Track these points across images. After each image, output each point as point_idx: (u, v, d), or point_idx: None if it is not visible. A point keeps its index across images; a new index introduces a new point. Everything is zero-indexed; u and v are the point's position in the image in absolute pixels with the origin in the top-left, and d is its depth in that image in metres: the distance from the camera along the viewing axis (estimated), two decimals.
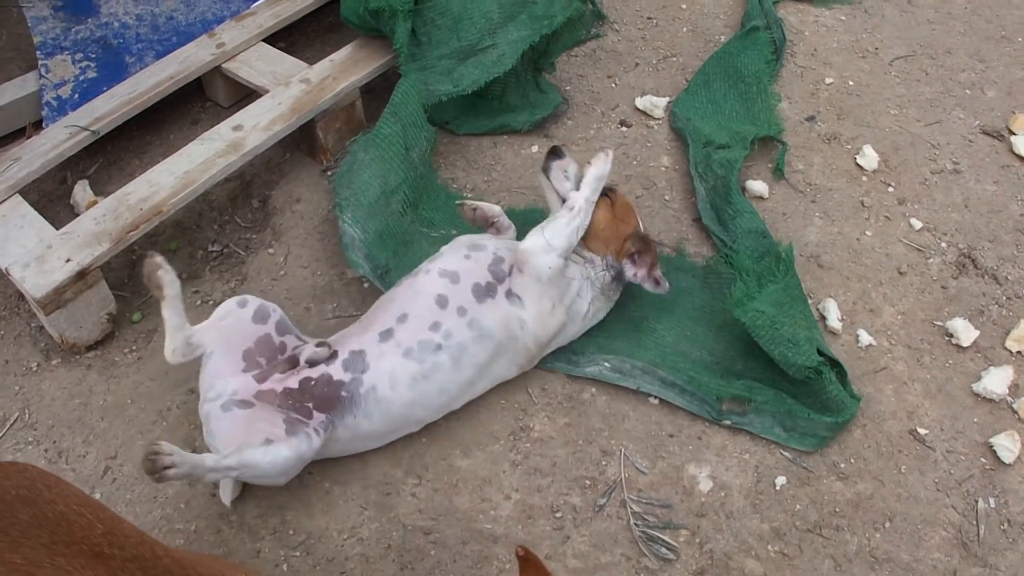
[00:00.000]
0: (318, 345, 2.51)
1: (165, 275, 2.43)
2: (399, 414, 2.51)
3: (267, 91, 3.32)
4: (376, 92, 3.51)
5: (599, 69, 3.92)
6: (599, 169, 2.77)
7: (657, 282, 2.85)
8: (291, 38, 3.87)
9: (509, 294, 2.62)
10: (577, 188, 2.79)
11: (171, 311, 2.45)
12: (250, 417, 2.36)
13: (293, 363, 2.50)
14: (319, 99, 3.26)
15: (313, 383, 2.45)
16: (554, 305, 2.66)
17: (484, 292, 2.60)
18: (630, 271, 2.82)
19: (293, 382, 2.45)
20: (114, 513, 1.68)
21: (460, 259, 2.66)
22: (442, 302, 2.56)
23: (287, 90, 3.29)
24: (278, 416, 2.37)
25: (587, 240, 2.79)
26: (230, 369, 2.46)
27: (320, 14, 3.88)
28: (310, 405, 2.42)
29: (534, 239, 2.68)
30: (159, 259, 2.44)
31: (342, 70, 3.38)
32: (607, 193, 2.85)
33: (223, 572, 1.73)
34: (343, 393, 2.44)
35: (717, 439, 2.69)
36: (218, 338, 2.49)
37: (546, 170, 2.85)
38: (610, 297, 2.84)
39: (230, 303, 2.54)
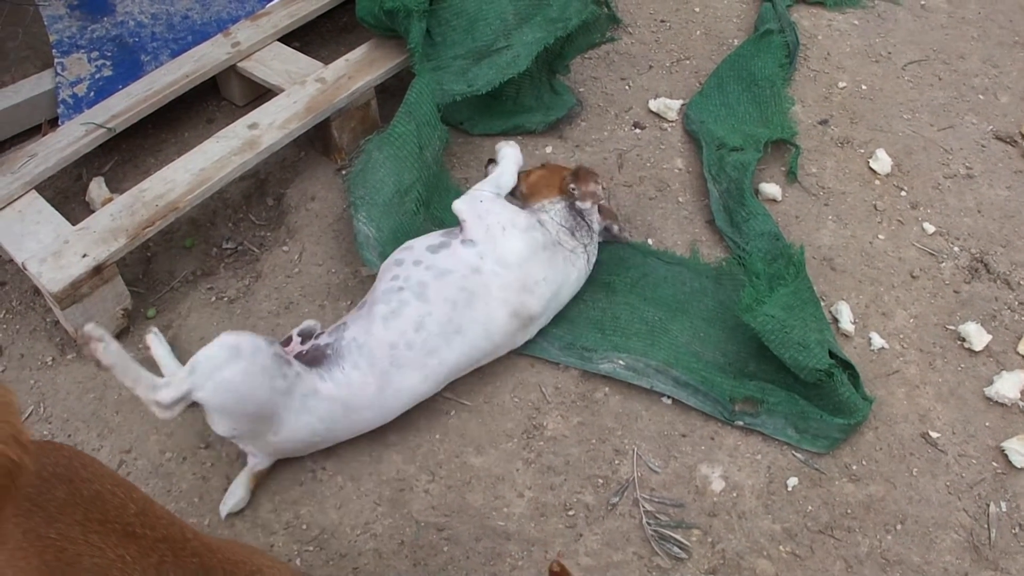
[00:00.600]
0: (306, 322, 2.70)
1: (154, 339, 2.72)
2: (383, 357, 2.52)
3: (282, 90, 3.32)
4: (391, 92, 3.52)
5: (613, 71, 3.93)
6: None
7: (611, 216, 3.07)
8: (306, 38, 3.88)
9: (463, 242, 2.73)
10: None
11: (163, 363, 2.67)
12: None
13: (287, 342, 2.64)
14: (334, 98, 3.27)
15: (305, 354, 2.57)
16: (504, 228, 2.74)
17: (437, 247, 2.72)
18: (577, 196, 2.96)
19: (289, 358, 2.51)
20: (146, 495, 1.71)
21: (417, 239, 2.81)
22: (399, 263, 2.70)
23: (302, 89, 3.30)
24: None
25: (530, 199, 2.99)
26: None
27: (335, 14, 3.89)
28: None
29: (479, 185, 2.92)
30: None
31: (357, 69, 3.39)
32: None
33: (250, 558, 1.75)
34: (328, 351, 2.54)
35: (729, 439, 2.69)
36: None
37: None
38: (582, 233, 2.93)
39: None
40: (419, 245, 2.74)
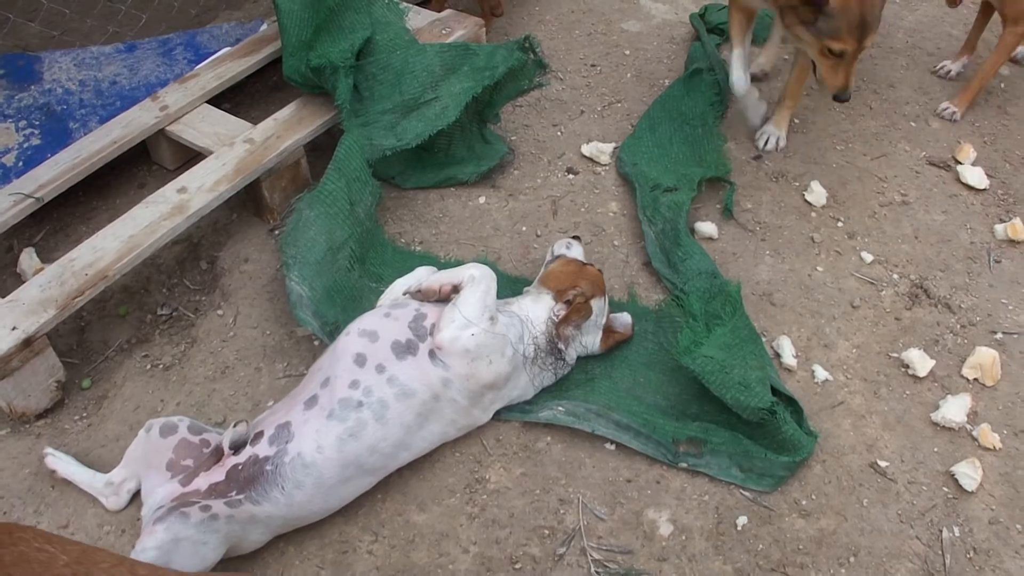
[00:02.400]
0: (235, 426, 2.45)
1: (55, 462, 2.67)
2: (332, 477, 2.42)
3: (211, 152, 3.29)
4: (321, 149, 3.50)
5: (544, 118, 3.94)
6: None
7: (564, 342, 2.82)
8: (236, 99, 3.86)
9: (432, 355, 2.55)
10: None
11: (77, 478, 2.64)
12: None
13: (219, 455, 2.44)
14: (263, 158, 3.24)
15: (240, 468, 2.39)
16: (490, 362, 2.60)
17: (404, 349, 2.55)
18: (556, 309, 2.82)
19: (219, 474, 2.39)
20: (85, 545, 1.66)
21: (380, 318, 2.62)
22: (360, 360, 2.51)
23: (231, 151, 3.27)
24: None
25: (542, 278, 2.89)
26: (158, 482, 2.45)
27: (264, 74, 3.89)
28: (233, 492, 2.36)
29: (448, 319, 2.57)
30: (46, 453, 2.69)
31: (286, 128, 3.37)
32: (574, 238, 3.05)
33: None
34: (268, 467, 2.38)
35: (676, 482, 2.65)
36: (138, 466, 2.55)
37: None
38: (562, 352, 2.81)
39: (139, 434, 2.56)
40: (384, 336, 2.57)
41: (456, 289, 2.66)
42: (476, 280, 2.63)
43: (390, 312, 2.64)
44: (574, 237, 3.07)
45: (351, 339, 2.57)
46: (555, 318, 2.79)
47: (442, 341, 2.53)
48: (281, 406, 2.57)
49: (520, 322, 2.71)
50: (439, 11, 4.04)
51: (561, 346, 2.79)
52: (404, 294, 2.77)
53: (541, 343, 2.73)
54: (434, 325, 2.59)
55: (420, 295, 2.70)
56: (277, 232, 3.32)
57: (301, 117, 3.42)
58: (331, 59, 3.27)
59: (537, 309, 2.76)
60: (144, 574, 1.65)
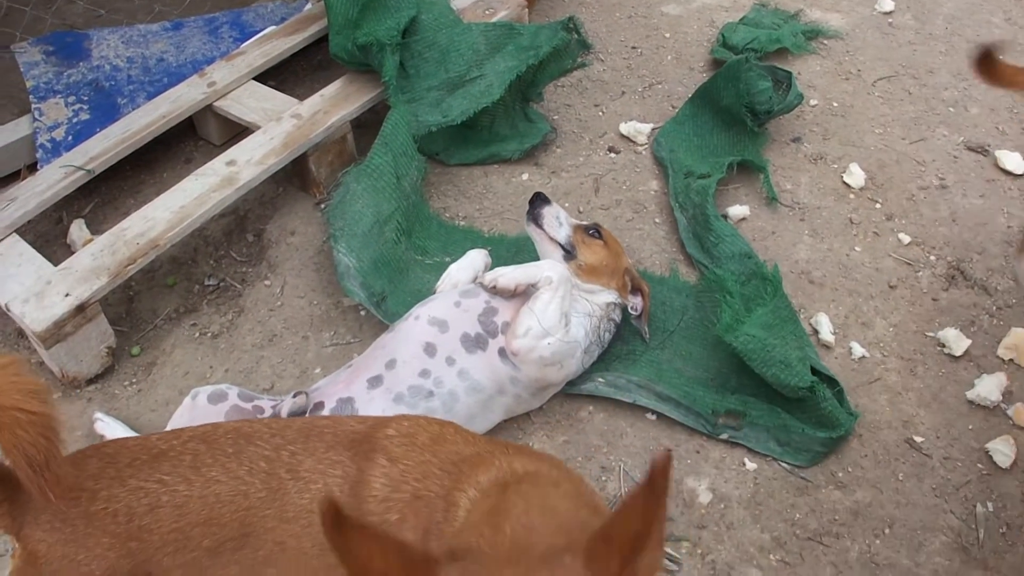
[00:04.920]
0: (295, 396, 2.48)
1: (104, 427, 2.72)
2: None
3: (259, 127, 3.35)
4: (366, 126, 3.56)
5: (586, 98, 3.98)
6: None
7: (645, 323, 2.91)
8: (281, 76, 3.92)
9: (502, 353, 2.57)
10: (571, 231, 2.84)
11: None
12: None
13: None
14: (310, 133, 3.30)
15: None
16: (560, 366, 2.63)
17: (474, 343, 2.56)
18: (633, 303, 2.88)
19: None
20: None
21: (450, 307, 2.63)
22: (430, 350, 2.53)
23: (278, 125, 3.33)
24: None
25: (591, 276, 2.81)
26: None
27: (309, 52, 3.94)
28: None
29: (525, 327, 2.54)
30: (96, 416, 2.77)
31: (332, 104, 3.42)
32: (597, 231, 2.88)
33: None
34: None
35: (715, 452, 2.70)
36: None
37: (537, 219, 2.87)
38: (609, 330, 2.84)
39: (183, 402, 2.57)
40: (453, 327, 2.57)
41: (531, 288, 2.64)
42: (554, 284, 2.61)
43: (460, 302, 2.64)
44: (539, 200, 2.92)
45: (420, 325, 2.58)
46: (634, 312, 2.87)
47: (519, 349, 2.54)
48: (341, 377, 2.59)
49: (587, 320, 2.73)
50: None
51: (632, 311, 2.87)
52: (476, 283, 2.73)
53: (600, 335, 2.77)
54: (505, 324, 2.60)
55: (494, 291, 2.66)
56: (323, 205, 3.37)
57: (347, 93, 3.48)
58: (378, 37, 3.31)
59: (598, 305, 2.78)
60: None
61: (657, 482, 1.12)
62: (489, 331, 2.59)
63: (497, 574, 1.21)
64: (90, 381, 2.90)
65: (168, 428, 2.57)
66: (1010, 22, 4.69)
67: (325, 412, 2.47)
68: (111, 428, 2.71)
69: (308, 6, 4.06)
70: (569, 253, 2.82)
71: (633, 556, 1.14)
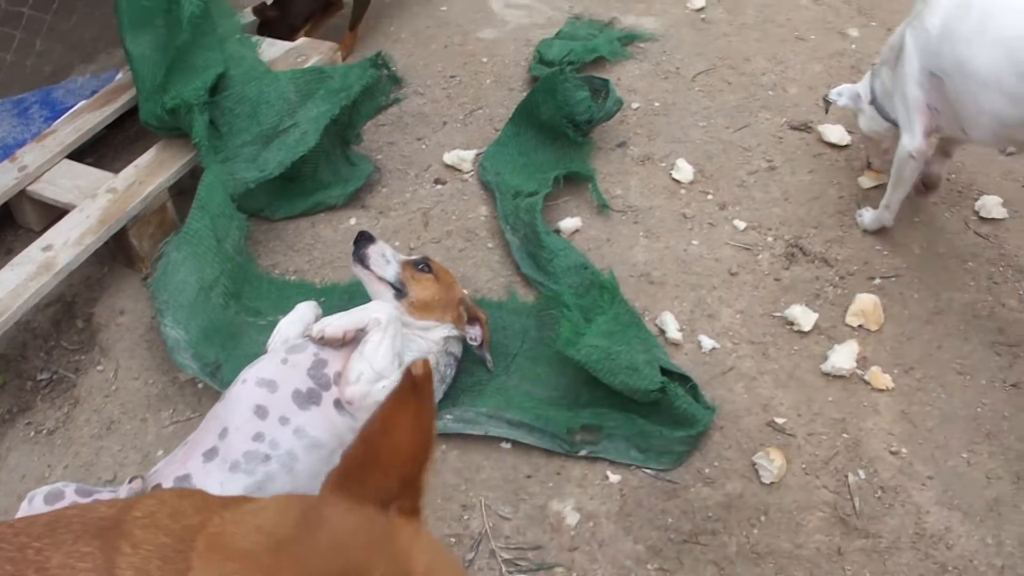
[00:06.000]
0: (131, 482, 2.36)
1: None
2: None
3: (75, 207, 3.22)
4: (188, 191, 3.43)
5: (408, 133, 3.94)
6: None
7: (487, 351, 2.87)
8: (98, 151, 3.79)
9: (338, 405, 2.48)
10: (399, 268, 2.78)
11: None
12: None
13: None
14: (127, 206, 3.17)
15: None
16: None
17: (306, 399, 2.46)
18: (471, 334, 2.83)
19: None
20: None
21: (277, 365, 2.53)
22: (261, 412, 2.42)
23: (94, 202, 3.20)
24: None
25: (424, 312, 2.75)
26: None
27: (124, 124, 3.81)
28: None
29: (357, 372, 2.47)
30: None
31: (147, 174, 3.30)
32: (427, 264, 2.83)
33: None
34: None
35: (576, 470, 2.65)
36: None
37: (363, 259, 2.79)
38: (450, 366, 2.79)
39: (20, 507, 2.38)
40: (283, 385, 2.47)
41: (360, 333, 2.57)
42: (382, 325, 2.54)
43: (287, 358, 2.54)
44: (363, 239, 2.84)
45: (248, 388, 2.48)
46: (473, 342, 2.82)
47: (353, 396, 2.45)
48: (177, 456, 2.47)
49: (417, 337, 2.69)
50: (293, 40, 4.02)
51: (471, 340, 2.81)
52: (305, 338, 2.64)
53: (440, 372, 2.72)
54: (337, 374, 2.51)
55: (323, 342, 2.57)
56: (149, 280, 3.25)
57: (162, 160, 3.36)
58: (185, 98, 3.22)
59: (434, 341, 2.73)
60: None
61: (423, 387, 1.10)
62: (321, 384, 2.49)
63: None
64: None
65: None
66: (819, 3, 4.83)
67: None
68: None
69: (119, 76, 3.94)
70: (399, 291, 2.75)
71: (415, 471, 1.12)
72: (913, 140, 2.99)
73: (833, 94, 3.43)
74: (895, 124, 3.17)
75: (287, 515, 1.16)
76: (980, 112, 2.77)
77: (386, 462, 1.13)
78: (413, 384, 1.11)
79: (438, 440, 2.69)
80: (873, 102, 3.29)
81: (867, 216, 3.31)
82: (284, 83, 3.39)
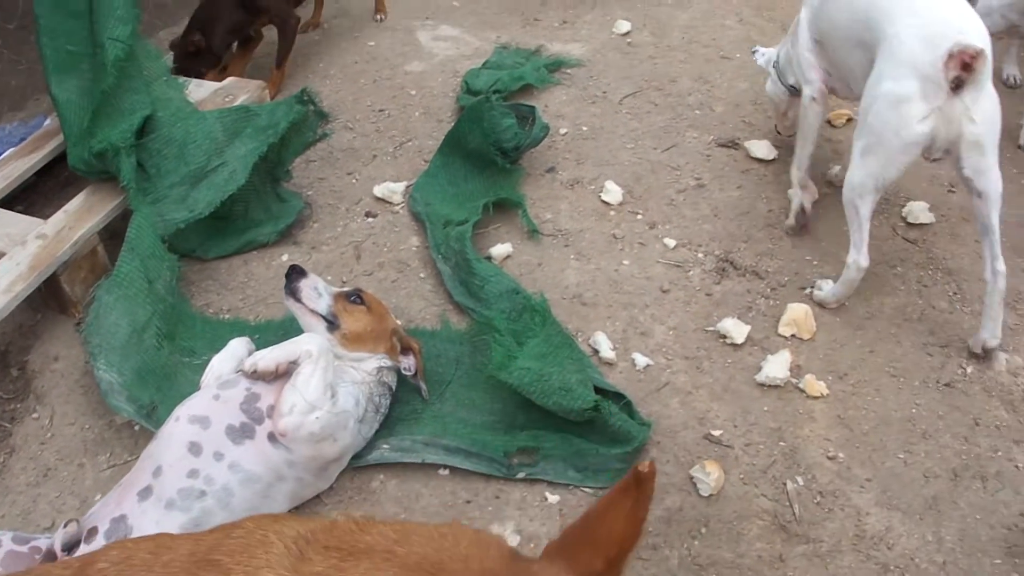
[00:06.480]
0: (65, 526, 2.31)
1: None
2: None
3: (3, 254, 3.19)
4: (119, 235, 3.40)
5: (338, 168, 3.95)
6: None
7: (422, 380, 2.87)
8: (28, 199, 3.76)
9: (272, 438, 2.47)
10: (331, 301, 2.78)
11: None
12: None
13: (53, 559, 2.30)
14: (57, 252, 3.14)
15: None
16: (335, 439, 2.54)
17: (240, 434, 2.45)
18: (405, 364, 2.83)
19: None
20: None
21: (209, 401, 2.52)
22: (195, 449, 2.41)
23: (24, 249, 3.16)
24: None
25: (357, 344, 2.75)
26: None
27: (55, 170, 3.79)
28: None
29: (289, 404, 2.46)
30: None
31: (77, 219, 3.28)
32: (359, 296, 2.83)
33: None
34: None
35: (515, 493, 2.66)
36: None
37: (295, 293, 2.78)
38: (385, 398, 2.78)
39: None
40: (216, 421, 2.46)
41: (292, 365, 2.56)
42: (314, 357, 2.53)
43: (219, 394, 2.54)
44: (295, 273, 2.83)
45: (181, 425, 2.46)
46: (407, 372, 2.82)
47: (286, 428, 2.44)
48: (112, 498, 2.45)
49: (357, 389, 2.66)
50: (220, 80, 4.02)
51: (406, 371, 2.81)
52: (238, 373, 2.63)
53: (375, 402, 2.71)
54: (270, 407, 2.50)
55: (256, 376, 2.56)
56: (82, 324, 3.22)
57: (91, 205, 3.34)
58: (112, 141, 3.21)
59: (367, 372, 2.72)
60: None
61: (645, 484, 1.22)
62: (254, 418, 2.48)
63: None
64: None
65: None
66: (743, 23, 4.93)
67: (99, 536, 2.30)
68: None
69: (47, 122, 3.92)
70: (332, 323, 2.75)
71: (620, 557, 1.23)
72: (811, 87, 3.37)
73: (758, 53, 3.78)
74: (791, 90, 3.60)
75: (491, 550, 1.28)
76: (851, 66, 3.15)
77: (599, 542, 1.25)
78: (637, 479, 1.24)
79: (375, 471, 2.71)
80: (776, 67, 3.65)
81: (826, 288, 3.27)
82: (211, 123, 3.40)
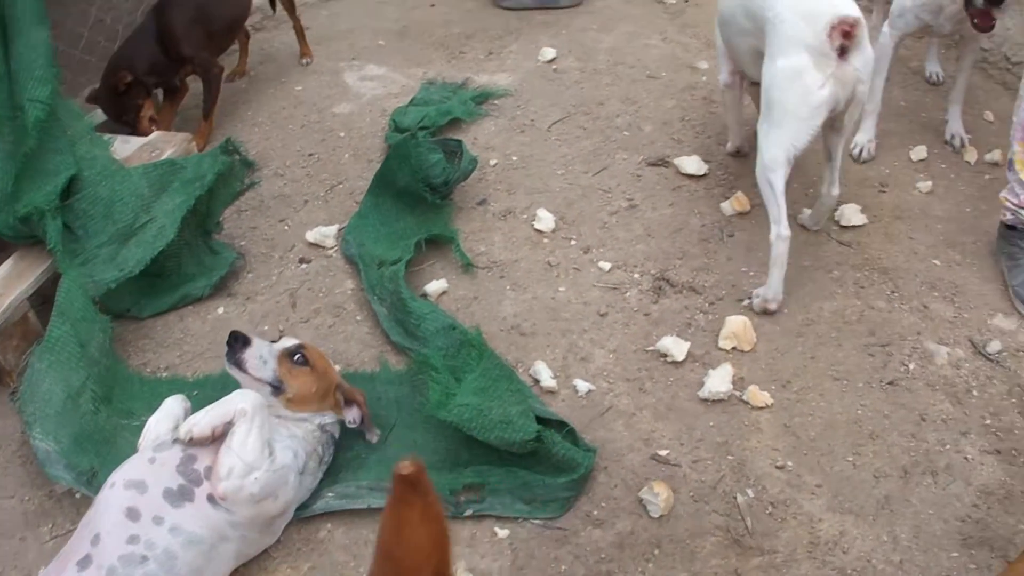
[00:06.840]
0: None
1: None
2: None
3: None
4: (51, 299, 3.33)
5: (270, 216, 3.93)
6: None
7: (370, 428, 2.86)
8: None
9: (212, 500, 2.42)
10: (276, 365, 2.72)
11: None
12: None
13: None
14: None
15: None
16: (276, 498, 2.51)
17: (178, 496, 2.40)
18: (349, 417, 2.81)
19: None
20: None
21: (144, 465, 2.47)
22: (133, 515, 2.36)
23: None
24: None
25: (302, 405, 2.71)
26: None
27: None
28: None
29: (227, 468, 2.41)
30: None
31: (5, 285, 3.22)
32: (303, 356, 2.78)
33: None
34: None
35: (464, 531, 2.64)
36: None
37: (240, 364, 2.70)
38: (329, 449, 2.76)
39: None
40: (152, 485, 2.40)
41: (228, 426, 2.49)
42: (248, 415, 2.48)
43: (155, 457, 2.48)
44: (235, 341, 2.74)
45: (117, 491, 2.41)
46: (353, 425, 2.79)
47: (226, 492, 2.40)
48: (52, 569, 2.38)
49: (296, 442, 2.62)
50: (146, 134, 3.98)
51: (350, 423, 2.79)
52: (174, 441, 2.55)
53: (317, 453, 2.69)
54: (208, 468, 2.45)
55: (193, 443, 2.49)
56: (17, 393, 3.16)
57: (20, 271, 3.29)
58: (37, 205, 3.15)
59: (309, 429, 2.70)
60: None
61: (417, 484, 1.13)
62: (192, 480, 2.44)
63: None
64: None
65: None
66: (667, 41, 4.99)
67: None
68: None
69: None
70: (277, 388, 2.71)
71: (443, 565, 1.17)
72: (722, 76, 3.84)
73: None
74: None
75: None
76: (743, 54, 3.53)
77: (411, 564, 1.15)
78: (408, 482, 1.13)
79: (322, 520, 2.69)
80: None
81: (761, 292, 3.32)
82: (136, 179, 3.36)
